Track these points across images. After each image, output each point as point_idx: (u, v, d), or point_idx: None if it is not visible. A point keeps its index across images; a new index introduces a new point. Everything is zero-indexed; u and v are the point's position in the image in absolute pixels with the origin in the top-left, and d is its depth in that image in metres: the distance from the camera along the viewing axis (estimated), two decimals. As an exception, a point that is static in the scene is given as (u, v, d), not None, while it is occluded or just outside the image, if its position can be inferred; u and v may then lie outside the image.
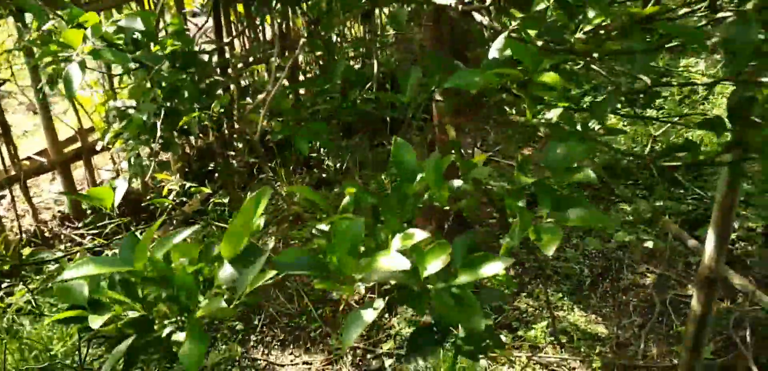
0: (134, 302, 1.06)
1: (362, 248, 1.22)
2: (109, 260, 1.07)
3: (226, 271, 1.01)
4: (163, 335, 1.17)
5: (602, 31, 1.26)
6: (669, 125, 4.69)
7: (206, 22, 3.54)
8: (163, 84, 2.41)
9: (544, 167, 1.23)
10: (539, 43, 1.42)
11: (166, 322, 1.11)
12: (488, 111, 6.30)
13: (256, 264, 1.08)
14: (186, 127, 2.75)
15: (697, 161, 1.49)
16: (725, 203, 3.00)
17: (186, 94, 2.50)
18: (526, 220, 1.15)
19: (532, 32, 1.31)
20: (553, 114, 1.35)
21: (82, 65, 1.45)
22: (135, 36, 1.75)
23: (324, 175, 5.60)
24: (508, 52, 1.33)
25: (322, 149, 5.71)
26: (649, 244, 4.63)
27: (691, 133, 5.39)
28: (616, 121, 1.40)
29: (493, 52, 1.36)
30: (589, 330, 4.05)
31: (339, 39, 6.52)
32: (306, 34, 6.03)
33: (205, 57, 2.40)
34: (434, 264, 1.15)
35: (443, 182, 1.34)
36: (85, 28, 1.50)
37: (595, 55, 1.31)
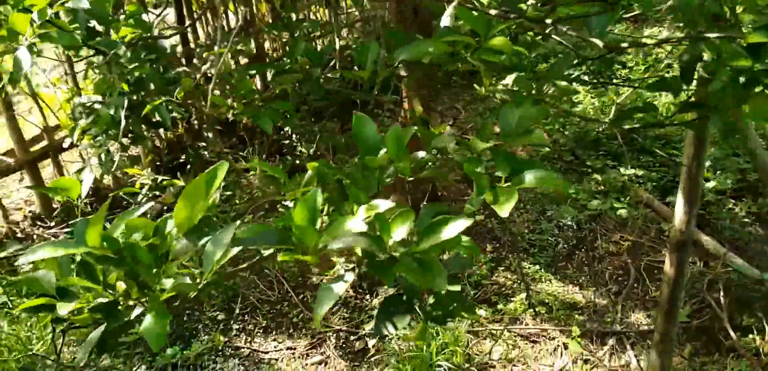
0: (95, 284, 1.05)
1: (326, 221, 1.22)
2: (63, 242, 1.05)
3: (182, 243, 1.00)
4: (132, 317, 1.16)
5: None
6: (631, 92, 4.74)
7: (164, 10, 3.49)
8: (129, 77, 2.37)
9: (501, 132, 1.24)
10: (493, 11, 1.42)
11: (130, 303, 1.10)
12: (457, 88, 6.31)
13: (222, 240, 1.07)
14: (155, 118, 2.71)
15: (657, 122, 1.51)
16: (691, 166, 3.05)
17: (152, 85, 2.46)
18: (483, 183, 1.16)
19: (484, 1, 1.32)
20: (509, 80, 1.36)
21: (31, 49, 1.42)
22: (90, 24, 1.72)
23: (297, 161, 5.58)
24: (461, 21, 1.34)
25: (294, 136, 5.69)
26: (622, 213, 4.70)
27: (657, 100, 5.46)
28: (572, 87, 1.41)
29: (445, 21, 1.36)
30: (566, 299, 4.10)
31: (304, 22, 6.48)
32: (270, 20, 5.97)
33: (168, 46, 2.37)
34: (399, 231, 1.16)
35: (405, 153, 1.34)
36: (31, 13, 1.47)
37: (548, 21, 1.32)
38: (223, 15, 5.99)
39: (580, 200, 4.91)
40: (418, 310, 1.32)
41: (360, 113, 1.36)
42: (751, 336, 3.67)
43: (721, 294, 3.95)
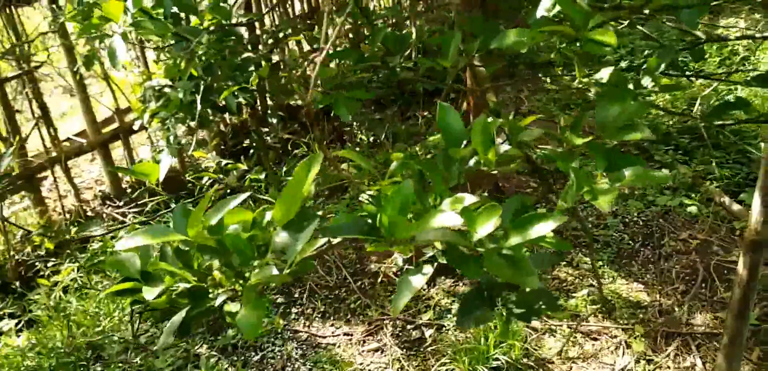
0: (189, 272, 1.07)
1: (410, 214, 1.21)
2: (162, 229, 1.07)
3: (281, 236, 1.01)
4: (216, 305, 1.18)
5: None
6: (713, 86, 4.55)
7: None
8: (199, 61, 2.42)
9: (597, 127, 1.20)
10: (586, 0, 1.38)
11: (219, 291, 1.12)
12: (520, 78, 6.21)
13: (308, 230, 1.07)
14: (224, 103, 2.77)
15: (751, 118, 1.44)
16: (770, 163, 2.92)
17: (220, 71, 2.51)
18: (582, 179, 1.12)
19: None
20: (604, 74, 1.31)
21: (125, 37, 1.46)
22: (174, 10, 1.75)
23: (357, 149, 5.60)
24: (555, 11, 1.30)
25: (355, 124, 5.71)
26: (692, 209, 4.53)
27: (733, 96, 5.24)
28: (674, 81, 1.37)
29: (541, 10, 1.32)
30: (631, 297, 4.00)
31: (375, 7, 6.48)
32: (335, 7, 5.99)
33: (243, 32, 2.40)
34: (485, 227, 1.14)
35: (491, 145, 1.31)
36: (126, 0, 1.51)
37: (646, 11, 1.27)
38: (290, 3, 6.05)
39: (648, 196, 4.77)
40: (500, 306, 1.30)
41: (443, 102, 1.34)
42: (826, 342, 3.51)
43: (796, 297, 3.78)
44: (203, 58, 2.36)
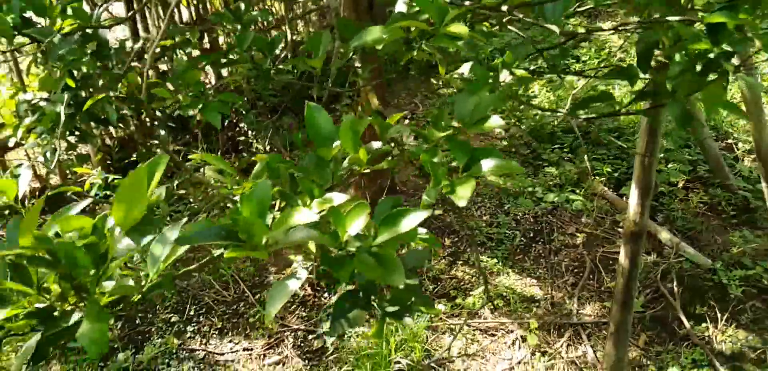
0: (28, 287, 0.97)
1: (277, 216, 1.17)
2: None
3: (123, 242, 0.93)
4: (71, 323, 1.08)
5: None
6: (587, 84, 4.80)
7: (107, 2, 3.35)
8: (75, 73, 2.25)
9: (456, 119, 1.21)
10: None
11: (68, 308, 1.02)
12: (414, 83, 6.27)
13: (168, 238, 1.00)
14: (102, 115, 2.60)
15: (613, 111, 1.49)
16: (644, 158, 3.09)
17: (100, 81, 2.35)
18: (440, 173, 1.12)
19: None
20: (465, 68, 1.32)
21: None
22: (26, 15, 1.61)
23: (253, 158, 5.47)
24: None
25: (249, 132, 5.58)
26: (578, 205, 4.75)
27: (613, 91, 5.54)
28: (528, 75, 1.40)
29: (400, 6, 1.32)
30: (524, 292, 4.12)
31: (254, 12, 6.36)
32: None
33: (109, 37, 2.26)
34: (355, 225, 1.11)
35: (360, 143, 1.29)
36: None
37: (504, 7, 1.29)
38: (176, 9, 5.82)
39: (537, 194, 4.95)
40: (375, 306, 1.27)
41: (313, 103, 1.30)
42: (703, 324, 3.75)
43: (675, 283, 4.03)
44: (81, 69, 2.20)
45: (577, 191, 4.90)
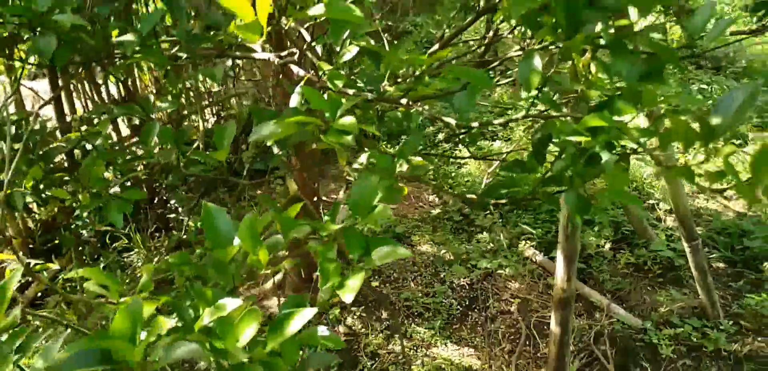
0: None
1: (166, 330, 1.12)
2: None
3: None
4: None
5: (406, 78, 1.27)
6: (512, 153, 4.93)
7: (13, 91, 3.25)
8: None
9: (351, 209, 1.20)
10: (351, 91, 1.39)
11: None
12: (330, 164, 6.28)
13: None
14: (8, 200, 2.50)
15: (522, 198, 1.52)
16: (567, 226, 3.16)
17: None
18: (330, 270, 1.10)
19: (339, 82, 1.29)
20: (363, 158, 1.33)
21: None
22: None
23: (184, 236, 5.33)
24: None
25: (179, 209, 5.45)
26: (510, 270, 4.80)
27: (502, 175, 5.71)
28: (424, 163, 1.43)
29: (293, 101, 1.32)
30: (462, 363, 4.09)
31: (192, 93, 6.31)
32: (155, 90, 5.75)
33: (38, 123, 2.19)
34: (245, 335, 1.07)
35: (260, 244, 1.26)
36: None
37: (403, 100, 1.31)
38: (104, 86, 5.71)
39: (471, 260, 4.98)
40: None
41: (209, 203, 1.27)
42: (635, 385, 3.80)
43: (607, 345, 4.08)
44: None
45: (509, 256, 4.96)
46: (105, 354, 0.94)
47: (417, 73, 1.22)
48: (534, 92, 1.13)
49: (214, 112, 6.46)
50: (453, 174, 5.77)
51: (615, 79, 1.15)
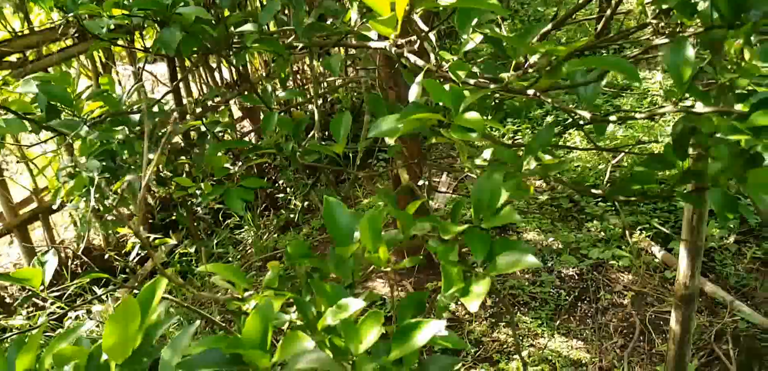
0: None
1: (286, 326, 1.11)
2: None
3: (119, 376, 0.88)
4: None
5: (530, 69, 1.18)
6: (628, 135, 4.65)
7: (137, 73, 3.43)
8: (110, 141, 2.30)
9: (474, 209, 1.14)
10: (472, 81, 1.33)
11: None
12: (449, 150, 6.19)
13: (167, 365, 0.95)
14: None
15: (654, 195, 1.40)
16: (693, 217, 2.94)
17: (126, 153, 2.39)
18: (453, 275, 1.05)
19: (461, 73, 1.23)
20: (487, 153, 1.26)
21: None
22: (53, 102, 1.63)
23: (291, 215, 5.47)
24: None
25: (287, 189, 5.59)
26: (624, 261, 4.57)
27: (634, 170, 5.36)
28: (553, 161, 1.34)
29: (412, 95, 1.27)
30: (570, 356, 3.95)
31: (299, 76, 6.44)
32: (265, 74, 5.91)
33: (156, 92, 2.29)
34: (368, 338, 1.05)
35: (380, 240, 1.23)
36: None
37: (531, 92, 1.23)
38: (217, 70, 5.95)
39: (581, 249, 4.78)
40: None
41: (330, 197, 1.25)
42: (763, 390, 3.52)
43: (730, 345, 3.80)
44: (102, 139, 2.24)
45: (623, 247, 4.71)
46: (235, 356, 0.94)
47: (551, 61, 1.14)
48: (685, 84, 1.02)
49: (324, 99, 6.57)
50: (562, 158, 5.54)
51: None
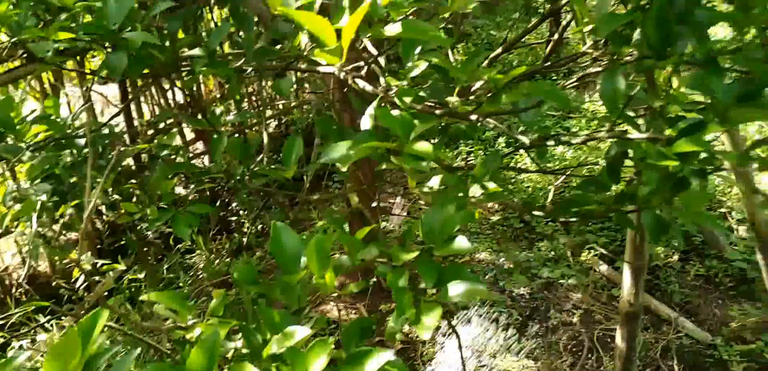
0: None
1: (230, 354, 1.11)
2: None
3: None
4: None
5: (472, 96, 1.22)
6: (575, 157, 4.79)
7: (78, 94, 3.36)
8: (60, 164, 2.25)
9: (425, 237, 1.17)
10: (419, 106, 1.36)
11: None
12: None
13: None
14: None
15: (593, 214, 1.45)
16: (636, 238, 3.04)
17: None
18: (405, 302, 1.07)
19: (408, 99, 1.26)
20: (434, 182, 1.29)
21: None
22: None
23: (244, 239, 5.41)
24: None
25: (241, 212, 5.53)
26: (573, 280, 4.67)
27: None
28: (499, 189, 1.38)
29: (365, 123, 1.29)
30: (521, 374, 4.01)
31: (254, 98, 6.41)
32: (219, 95, 5.86)
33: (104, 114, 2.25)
34: (315, 366, 1.05)
35: (327, 266, 1.24)
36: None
37: (474, 117, 1.27)
38: (170, 91, 5.87)
39: (532, 269, 4.87)
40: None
41: (278, 221, 1.26)
42: (705, 403, 3.64)
43: (675, 361, 3.92)
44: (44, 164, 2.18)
45: (572, 265, 4.83)
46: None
47: (490, 87, 1.18)
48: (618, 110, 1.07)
49: (279, 121, 6.54)
50: (513, 180, 5.65)
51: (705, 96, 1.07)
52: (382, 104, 1.40)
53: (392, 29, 1.14)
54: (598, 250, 4.93)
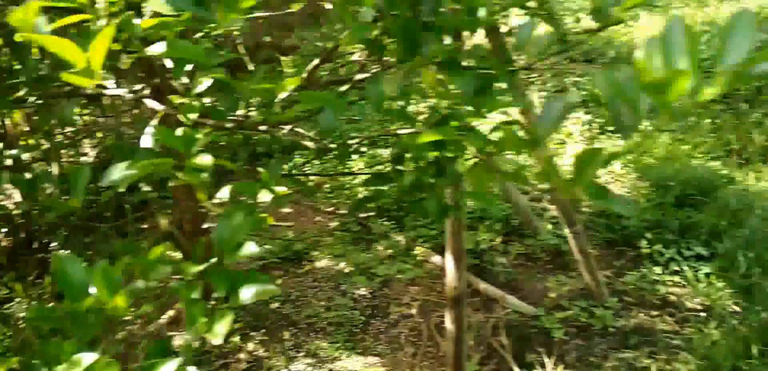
0: None
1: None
2: None
3: None
4: None
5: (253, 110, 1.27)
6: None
7: None
8: None
9: (216, 247, 1.19)
10: (212, 122, 1.38)
11: None
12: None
13: None
14: None
15: (387, 207, 1.55)
16: (453, 227, 3.27)
17: None
18: (195, 313, 1.09)
19: (193, 115, 1.27)
20: (225, 192, 1.32)
21: None
22: None
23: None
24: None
25: (61, 251, 5.12)
26: (409, 274, 4.89)
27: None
28: (285, 192, 1.44)
29: (145, 141, 1.29)
30: (367, 372, 4.12)
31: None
32: (28, 128, 5.41)
33: None
34: (102, 393, 1.04)
35: (117, 290, 1.22)
36: None
37: (263, 128, 1.31)
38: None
39: (371, 269, 5.03)
40: None
41: (59, 252, 1.21)
42: (534, 371, 3.97)
43: (504, 336, 4.24)
44: None
45: (408, 260, 5.05)
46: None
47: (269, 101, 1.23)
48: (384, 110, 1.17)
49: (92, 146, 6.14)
50: (348, 185, 5.79)
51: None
52: (173, 121, 1.40)
53: (155, 49, 1.15)
54: (430, 243, 5.21)
